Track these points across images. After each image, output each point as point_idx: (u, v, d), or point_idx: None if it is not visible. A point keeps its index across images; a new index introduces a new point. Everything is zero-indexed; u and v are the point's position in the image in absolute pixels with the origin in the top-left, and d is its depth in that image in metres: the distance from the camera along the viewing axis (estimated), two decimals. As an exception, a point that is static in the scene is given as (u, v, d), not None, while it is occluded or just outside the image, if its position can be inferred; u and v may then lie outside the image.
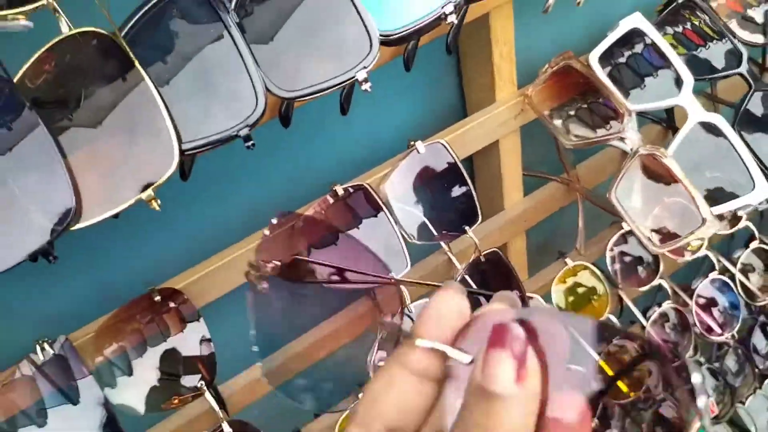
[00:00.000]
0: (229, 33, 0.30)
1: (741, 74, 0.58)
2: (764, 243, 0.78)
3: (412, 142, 0.53)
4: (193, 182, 0.40)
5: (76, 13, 0.31)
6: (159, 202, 0.30)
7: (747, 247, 0.77)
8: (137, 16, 0.30)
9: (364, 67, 0.31)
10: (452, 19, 0.33)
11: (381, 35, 0.32)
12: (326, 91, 0.32)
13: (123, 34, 0.30)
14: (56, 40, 0.30)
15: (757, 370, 0.90)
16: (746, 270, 0.78)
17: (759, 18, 0.64)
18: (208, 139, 0.30)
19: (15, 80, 0.29)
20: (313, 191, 0.51)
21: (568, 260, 0.69)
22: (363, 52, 0.31)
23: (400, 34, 0.33)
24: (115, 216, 0.33)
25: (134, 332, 0.49)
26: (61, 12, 0.31)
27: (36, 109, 0.28)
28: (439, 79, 0.61)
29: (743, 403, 0.93)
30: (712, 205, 0.55)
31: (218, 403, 0.47)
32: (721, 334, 0.74)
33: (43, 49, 0.30)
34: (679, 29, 0.62)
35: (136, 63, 0.29)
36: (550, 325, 0.18)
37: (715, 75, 0.59)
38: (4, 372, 0.44)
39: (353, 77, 0.31)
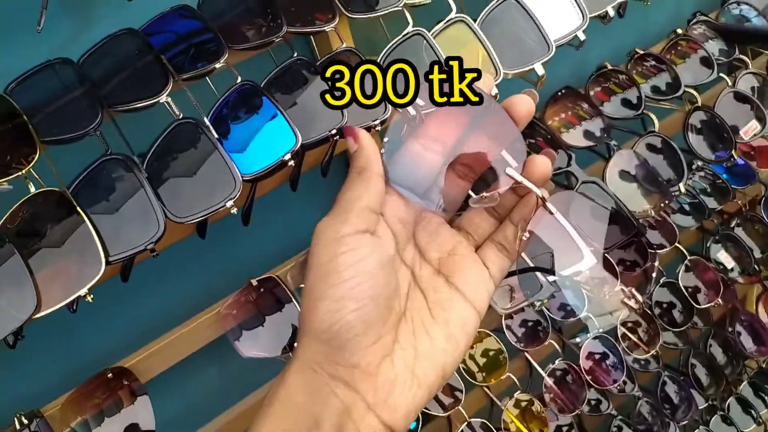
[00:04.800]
0: (141, 184, 0.47)
1: (568, 171, 0.76)
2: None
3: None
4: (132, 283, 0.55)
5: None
6: (92, 296, 0.45)
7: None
8: (80, 177, 0.47)
9: (231, 198, 0.48)
10: (291, 163, 0.50)
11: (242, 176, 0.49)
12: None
13: (70, 190, 0.47)
14: (27, 196, 0.47)
15: (667, 419, 1.01)
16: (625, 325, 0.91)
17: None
18: (128, 253, 0.46)
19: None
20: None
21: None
22: (230, 188, 0.48)
23: (254, 176, 0.50)
24: (73, 310, 0.48)
25: (93, 406, 0.62)
26: (34, 176, 0.47)
27: (12, 242, 0.44)
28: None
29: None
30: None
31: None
32: (606, 386, 0.86)
33: (18, 203, 0.46)
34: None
35: (78, 208, 0.46)
36: None
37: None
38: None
39: (224, 205, 0.48)
